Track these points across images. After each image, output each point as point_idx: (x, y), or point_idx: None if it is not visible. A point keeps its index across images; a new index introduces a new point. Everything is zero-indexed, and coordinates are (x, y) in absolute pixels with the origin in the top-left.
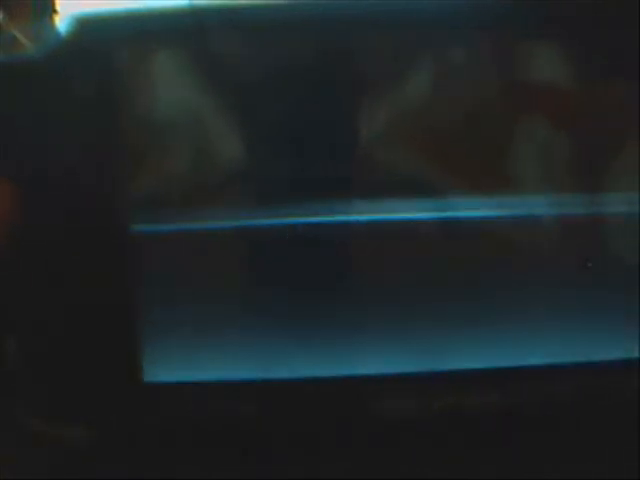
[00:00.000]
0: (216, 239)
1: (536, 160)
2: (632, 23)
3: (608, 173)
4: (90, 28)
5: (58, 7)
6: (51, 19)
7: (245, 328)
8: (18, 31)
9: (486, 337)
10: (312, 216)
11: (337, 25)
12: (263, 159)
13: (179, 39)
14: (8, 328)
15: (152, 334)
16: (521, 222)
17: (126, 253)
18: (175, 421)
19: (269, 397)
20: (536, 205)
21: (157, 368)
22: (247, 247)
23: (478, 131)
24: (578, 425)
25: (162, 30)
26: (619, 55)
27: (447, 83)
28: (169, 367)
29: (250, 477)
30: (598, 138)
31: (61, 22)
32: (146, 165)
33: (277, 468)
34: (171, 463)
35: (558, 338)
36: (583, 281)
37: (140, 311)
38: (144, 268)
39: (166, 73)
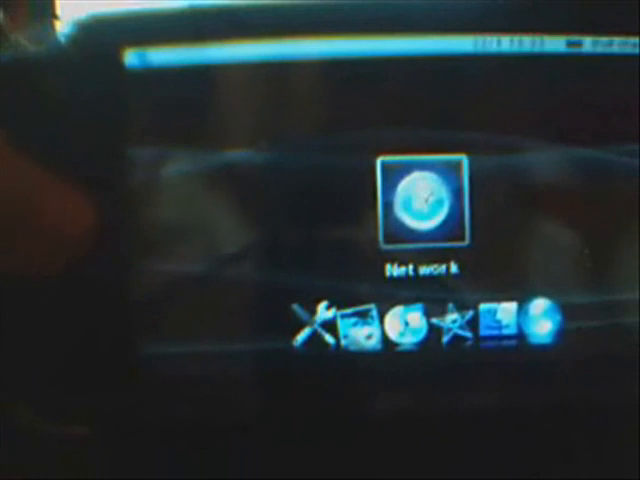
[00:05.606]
0: None
1: None
2: None
3: None
4: (90, 29)
5: (58, 8)
6: (51, 20)
7: None
8: (18, 32)
9: None
10: None
11: None
12: None
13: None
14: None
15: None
16: None
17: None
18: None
19: None
20: None
21: None
22: None
23: None
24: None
25: (162, 30)
26: None
27: None
28: None
29: None
30: None
31: (61, 23)
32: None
33: None
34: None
35: None
36: None
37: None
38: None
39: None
